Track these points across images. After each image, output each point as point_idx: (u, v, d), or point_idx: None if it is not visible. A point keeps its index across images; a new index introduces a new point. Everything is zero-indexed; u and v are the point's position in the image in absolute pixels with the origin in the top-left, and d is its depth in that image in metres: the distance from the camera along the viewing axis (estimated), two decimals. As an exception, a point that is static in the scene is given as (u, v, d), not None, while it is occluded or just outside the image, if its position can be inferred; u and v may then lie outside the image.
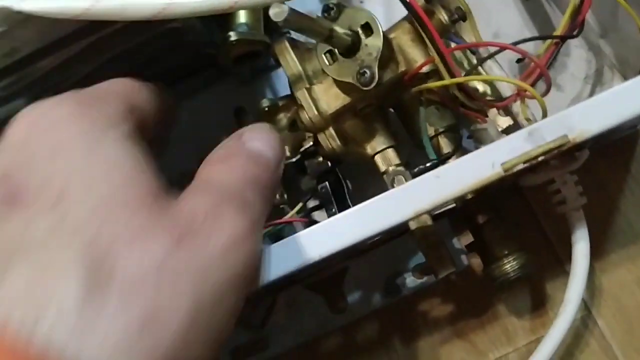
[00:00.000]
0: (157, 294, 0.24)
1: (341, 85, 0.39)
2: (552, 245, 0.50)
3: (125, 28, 0.38)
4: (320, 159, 0.43)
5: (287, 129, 0.43)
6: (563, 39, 0.38)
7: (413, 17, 0.36)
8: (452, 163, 0.33)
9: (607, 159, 0.49)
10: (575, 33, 0.38)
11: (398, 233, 0.46)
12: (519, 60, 0.48)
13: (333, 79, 0.39)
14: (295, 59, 0.40)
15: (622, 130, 0.46)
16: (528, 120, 0.39)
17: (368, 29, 0.37)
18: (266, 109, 0.44)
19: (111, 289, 0.23)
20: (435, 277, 0.41)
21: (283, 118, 0.44)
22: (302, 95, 0.40)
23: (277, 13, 0.31)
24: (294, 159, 0.43)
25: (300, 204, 0.44)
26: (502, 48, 0.37)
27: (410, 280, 0.51)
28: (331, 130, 0.40)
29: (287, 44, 0.41)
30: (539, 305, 0.50)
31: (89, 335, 0.23)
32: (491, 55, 0.40)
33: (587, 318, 0.49)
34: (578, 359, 0.48)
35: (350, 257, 0.47)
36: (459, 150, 0.41)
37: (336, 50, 0.38)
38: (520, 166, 0.32)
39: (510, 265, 0.43)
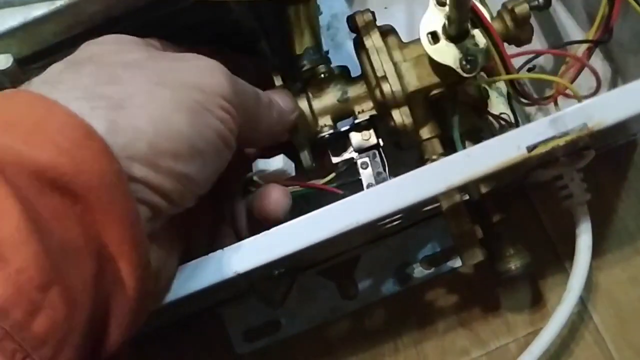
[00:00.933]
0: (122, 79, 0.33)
1: (433, 67, 0.41)
2: (553, 244, 0.54)
3: (180, 11, 0.41)
4: (367, 134, 0.45)
5: (338, 100, 0.45)
6: (596, 43, 0.42)
7: (479, 25, 0.40)
8: (482, 144, 0.36)
9: (607, 165, 0.53)
10: (605, 38, 0.42)
11: (425, 217, 0.49)
12: (529, 69, 0.52)
13: (428, 59, 0.41)
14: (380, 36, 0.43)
15: (626, 135, 0.50)
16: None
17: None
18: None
19: (84, 68, 0.33)
20: (462, 263, 0.45)
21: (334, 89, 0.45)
22: (389, 69, 0.42)
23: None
24: (335, 130, 0.44)
25: (333, 174, 0.46)
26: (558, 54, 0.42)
27: (419, 271, 0.54)
28: (406, 107, 0.42)
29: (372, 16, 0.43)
30: (539, 299, 0.53)
31: (59, 86, 0.32)
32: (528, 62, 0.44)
33: (583, 313, 0.52)
34: (573, 350, 0.51)
35: (373, 237, 0.50)
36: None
37: (440, 33, 0.40)
38: (543, 149, 0.36)
39: (514, 264, 0.46)
